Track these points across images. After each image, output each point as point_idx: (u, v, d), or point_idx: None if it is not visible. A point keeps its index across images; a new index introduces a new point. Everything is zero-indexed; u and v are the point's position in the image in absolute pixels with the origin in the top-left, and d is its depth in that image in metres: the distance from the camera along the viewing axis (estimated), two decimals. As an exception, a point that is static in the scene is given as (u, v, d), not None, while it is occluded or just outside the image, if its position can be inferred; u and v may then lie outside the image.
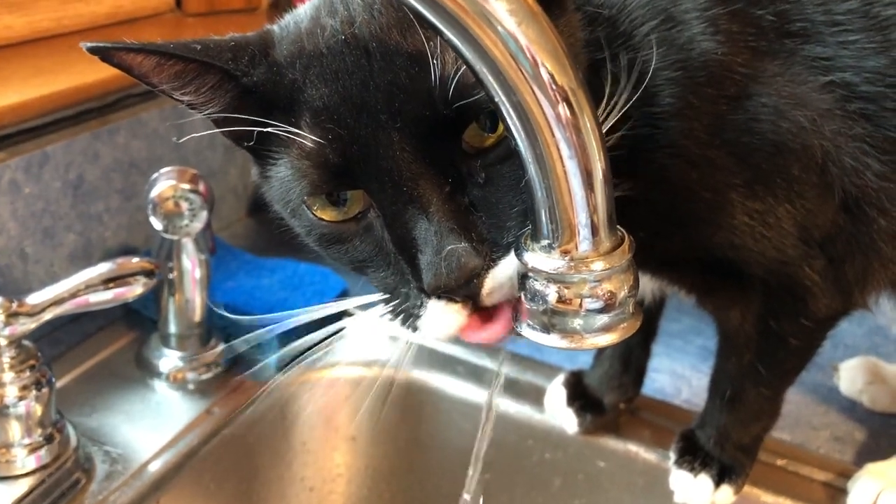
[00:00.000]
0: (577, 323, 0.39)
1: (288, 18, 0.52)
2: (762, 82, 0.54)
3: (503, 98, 0.36)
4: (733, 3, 0.54)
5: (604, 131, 0.47)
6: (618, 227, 0.40)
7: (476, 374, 0.87)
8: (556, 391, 0.82)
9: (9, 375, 0.66)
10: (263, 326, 0.86)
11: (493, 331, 0.48)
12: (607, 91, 0.49)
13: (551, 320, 0.40)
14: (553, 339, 0.40)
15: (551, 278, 0.39)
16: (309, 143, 0.47)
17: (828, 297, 0.62)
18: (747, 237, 0.57)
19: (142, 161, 0.94)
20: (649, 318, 0.80)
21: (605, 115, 0.48)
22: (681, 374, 0.92)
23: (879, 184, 0.57)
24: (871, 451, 0.81)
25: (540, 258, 0.40)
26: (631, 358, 0.80)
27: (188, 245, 0.79)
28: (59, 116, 0.86)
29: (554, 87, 0.35)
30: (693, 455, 0.74)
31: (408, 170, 0.46)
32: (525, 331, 0.41)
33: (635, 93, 0.50)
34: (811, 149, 0.55)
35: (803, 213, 0.57)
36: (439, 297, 0.47)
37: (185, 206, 0.75)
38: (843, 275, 0.61)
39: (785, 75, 0.54)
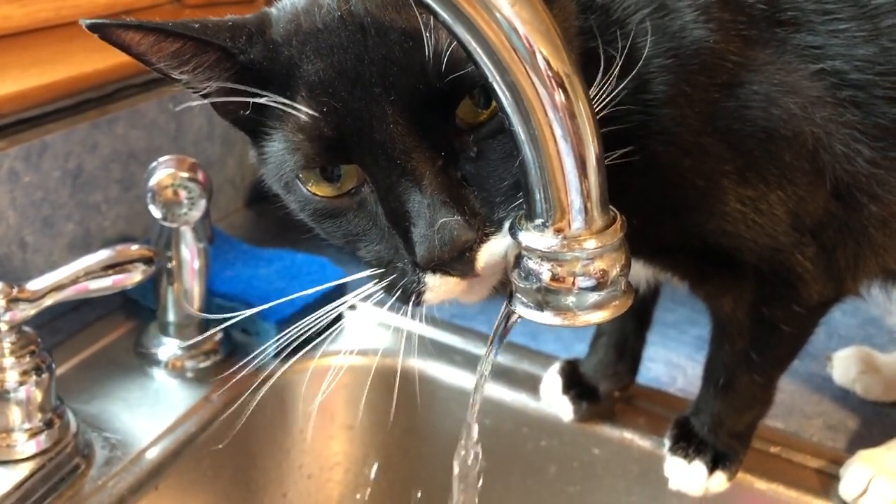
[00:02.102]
0: (570, 300, 0.40)
1: (285, 1, 0.53)
2: (754, 70, 0.55)
3: (497, 78, 0.36)
4: None
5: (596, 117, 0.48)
6: (610, 206, 0.41)
7: (473, 363, 0.88)
8: (551, 379, 0.83)
9: (9, 360, 0.66)
10: (258, 314, 0.87)
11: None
12: (601, 79, 0.50)
13: (545, 298, 0.40)
14: (546, 317, 0.40)
15: (545, 256, 0.40)
16: (304, 117, 0.48)
17: (819, 284, 0.62)
18: (739, 224, 0.58)
19: (140, 151, 0.94)
20: (644, 307, 0.81)
21: (595, 102, 0.48)
22: (676, 363, 0.93)
23: (870, 170, 0.57)
24: (864, 439, 0.82)
25: (534, 237, 0.40)
26: (626, 346, 0.81)
27: (187, 234, 0.80)
28: (58, 106, 0.86)
29: (547, 66, 0.35)
30: (687, 442, 0.74)
31: (401, 143, 0.46)
32: (519, 308, 0.42)
33: (628, 80, 0.50)
34: (802, 136, 0.56)
35: (795, 199, 0.58)
36: (434, 271, 0.48)
37: (183, 194, 0.76)
38: (835, 261, 0.62)
39: (776, 63, 0.55)
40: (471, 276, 0.48)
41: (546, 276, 0.40)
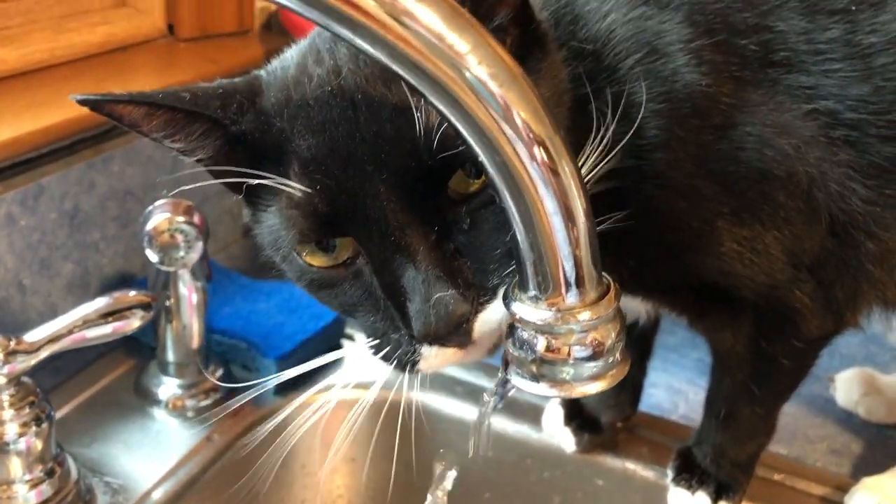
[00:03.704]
0: (565, 372, 0.40)
1: (275, 64, 0.53)
2: (746, 111, 0.55)
3: (488, 157, 0.36)
4: (717, 34, 0.54)
5: (593, 164, 0.48)
6: (604, 275, 0.41)
7: (474, 395, 0.88)
8: (553, 410, 0.82)
9: (8, 413, 0.66)
10: (259, 351, 0.87)
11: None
12: (594, 125, 0.50)
13: (540, 370, 0.40)
14: (542, 388, 0.40)
15: (539, 329, 0.40)
16: (297, 193, 0.48)
17: (818, 319, 0.62)
18: (736, 263, 0.58)
19: (137, 188, 0.94)
20: (644, 337, 0.80)
21: (592, 149, 0.48)
22: (678, 388, 0.93)
23: (865, 208, 0.57)
24: (868, 463, 0.82)
25: (527, 309, 0.40)
26: (627, 377, 0.80)
27: (185, 274, 0.80)
28: (53, 147, 0.86)
29: (536, 144, 0.35)
30: (690, 472, 0.74)
31: (394, 219, 0.47)
32: (515, 379, 0.42)
33: (621, 126, 0.50)
34: (796, 175, 0.56)
35: (791, 238, 0.57)
36: (430, 344, 0.48)
37: (180, 238, 0.76)
38: (834, 297, 0.62)
39: (769, 104, 0.55)
40: (467, 346, 0.48)
41: (541, 348, 0.40)
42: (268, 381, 0.63)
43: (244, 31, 1.14)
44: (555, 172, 0.35)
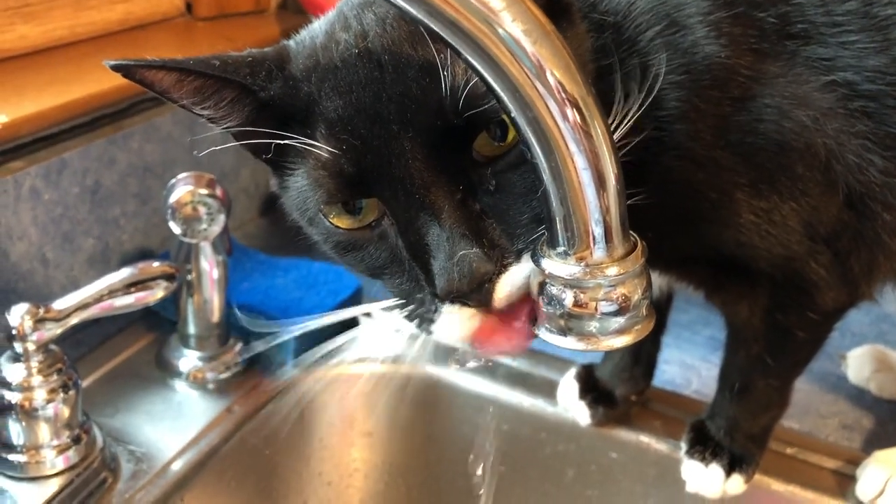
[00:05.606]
0: (592, 326, 0.41)
1: (303, 34, 0.54)
2: (765, 83, 0.55)
3: (520, 113, 0.37)
4: (736, 6, 0.55)
5: (614, 137, 0.49)
6: (631, 232, 0.41)
7: (489, 370, 0.89)
8: (568, 384, 0.83)
9: (37, 379, 0.67)
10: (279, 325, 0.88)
11: (504, 344, 0.49)
12: (616, 97, 0.50)
13: (568, 324, 0.41)
14: (570, 342, 0.41)
15: (568, 284, 0.41)
16: (324, 154, 0.49)
17: (834, 291, 0.63)
18: (753, 235, 0.58)
19: (156, 165, 0.95)
20: (659, 311, 0.80)
21: (615, 120, 0.49)
22: (690, 364, 0.94)
23: (883, 179, 0.58)
24: (880, 438, 0.82)
25: (556, 264, 0.41)
26: (641, 351, 0.81)
27: (206, 248, 0.81)
28: (75, 123, 0.87)
29: (568, 102, 0.36)
30: (704, 445, 0.75)
31: (420, 178, 0.47)
32: (543, 333, 0.43)
33: (643, 98, 0.51)
34: (814, 147, 0.56)
35: (808, 210, 0.58)
36: (452, 302, 0.48)
37: (202, 210, 0.77)
38: (849, 269, 0.62)
39: (787, 76, 0.56)
40: (489, 309, 0.48)
41: (569, 302, 0.41)
42: (272, 332, 0.62)
43: (261, 10, 1.15)
44: (585, 128, 0.36)
